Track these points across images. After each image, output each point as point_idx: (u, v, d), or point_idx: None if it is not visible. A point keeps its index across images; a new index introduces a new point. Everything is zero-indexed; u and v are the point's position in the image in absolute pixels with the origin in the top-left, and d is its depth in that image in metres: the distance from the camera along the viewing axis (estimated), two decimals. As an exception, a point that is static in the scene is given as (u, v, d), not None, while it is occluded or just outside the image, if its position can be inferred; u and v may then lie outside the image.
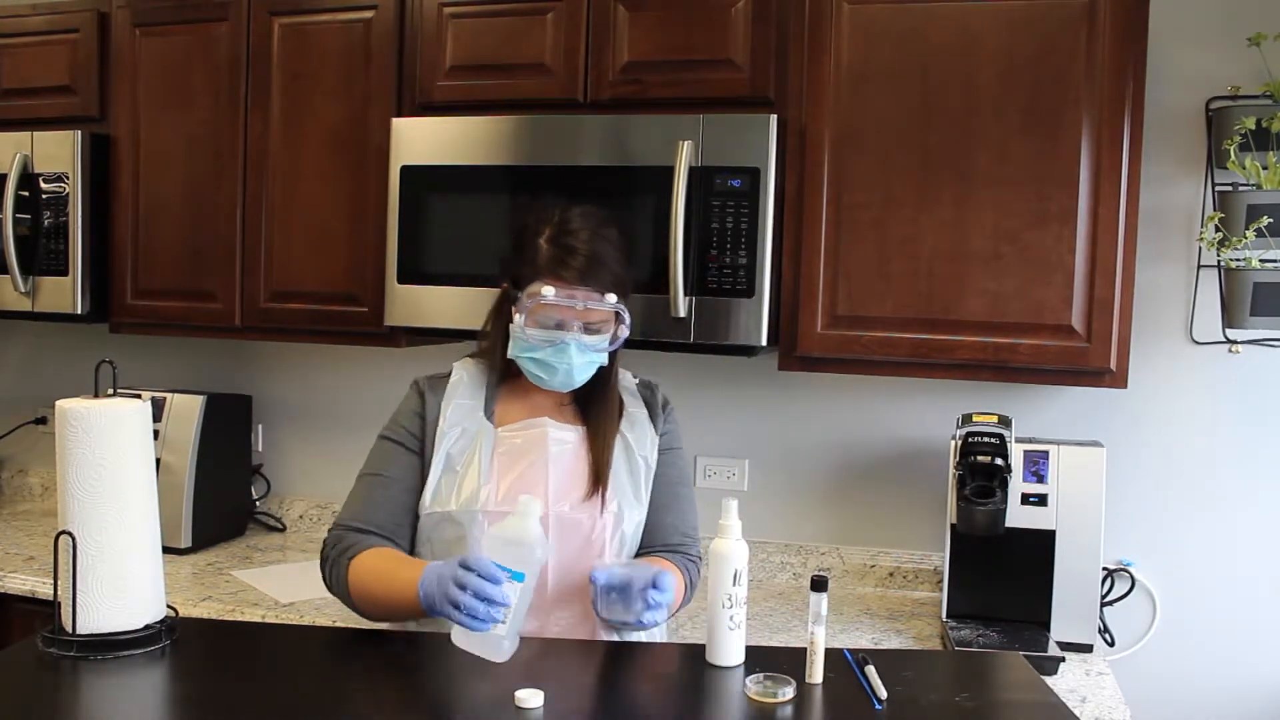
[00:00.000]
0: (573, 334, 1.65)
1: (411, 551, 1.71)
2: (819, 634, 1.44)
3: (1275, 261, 2.14)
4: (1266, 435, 2.36)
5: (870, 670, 1.45)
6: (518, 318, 1.67)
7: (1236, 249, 2.13)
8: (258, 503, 2.98)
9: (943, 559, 2.25)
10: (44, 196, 2.70)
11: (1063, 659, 2.06)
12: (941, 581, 2.31)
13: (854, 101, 2.19)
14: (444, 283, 2.36)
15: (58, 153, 2.68)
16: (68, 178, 2.68)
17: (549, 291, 1.63)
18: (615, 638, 1.70)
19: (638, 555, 1.74)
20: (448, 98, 2.44)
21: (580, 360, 1.66)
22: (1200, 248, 2.32)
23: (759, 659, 1.51)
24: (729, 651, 1.50)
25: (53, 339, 3.21)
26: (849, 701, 1.40)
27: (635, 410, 1.78)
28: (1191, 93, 2.34)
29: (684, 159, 2.16)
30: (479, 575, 1.41)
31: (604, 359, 1.70)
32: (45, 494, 3.18)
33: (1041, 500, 2.17)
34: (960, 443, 2.16)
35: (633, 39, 2.31)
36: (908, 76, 2.16)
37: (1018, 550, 2.17)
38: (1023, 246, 2.11)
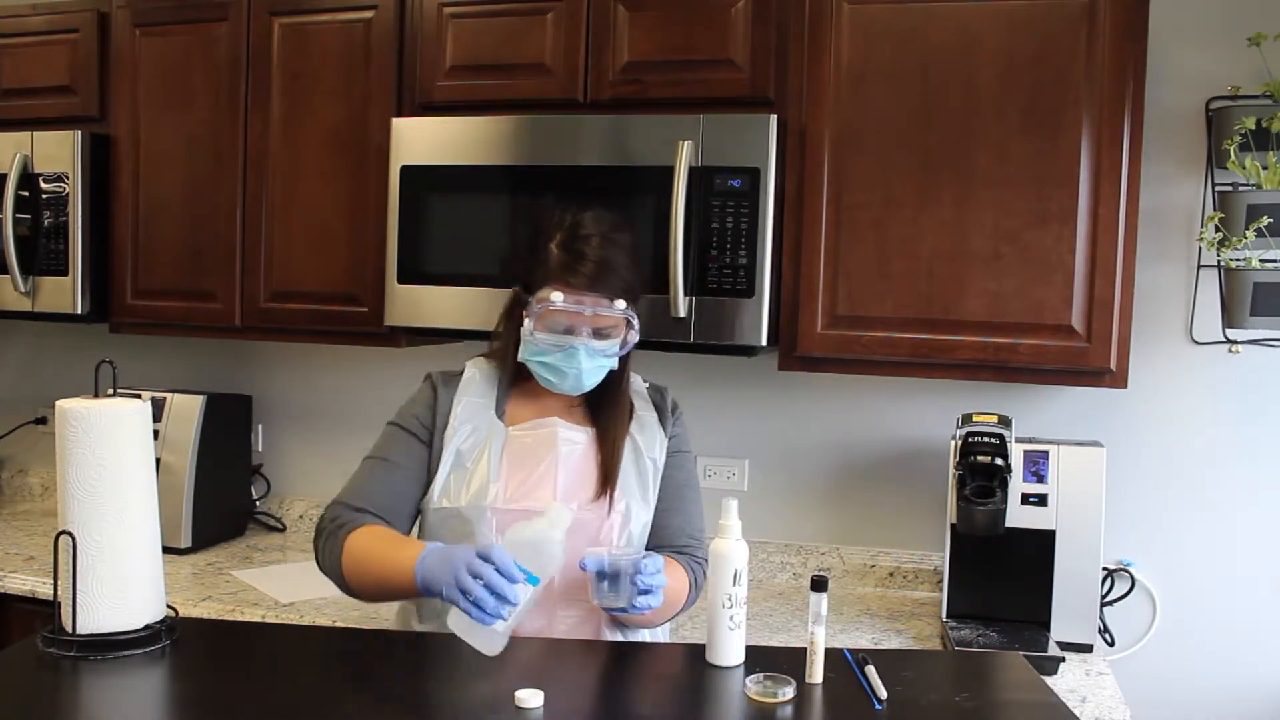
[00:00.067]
0: (582, 339, 1.65)
1: None
2: (819, 634, 1.44)
3: (1275, 261, 2.14)
4: (1266, 435, 2.36)
5: (870, 670, 1.45)
6: (527, 322, 1.67)
7: (1236, 249, 2.13)
8: (258, 503, 2.98)
9: (943, 559, 2.25)
10: (44, 196, 2.70)
11: (1063, 659, 2.06)
12: (941, 581, 2.31)
13: (854, 101, 2.19)
14: (444, 283, 2.36)
15: (58, 153, 2.68)
16: (68, 178, 2.68)
17: (558, 297, 1.63)
18: (619, 637, 1.70)
19: None
20: (448, 98, 2.44)
21: (589, 365, 1.67)
22: (1200, 248, 2.32)
23: (759, 659, 1.51)
24: (729, 651, 1.50)
25: (53, 339, 3.21)
26: (849, 701, 1.40)
27: (645, 413, 1.79)
28: (1191, 93, 2.34)
29: (684, 159, 2.16)
30: (497, 569, 1.42)
31: (614, 363, 1.71)
32: (45, 494, 3.18)
33: (1041, 500, 2.17)
34: (960, 443, 2.16)
35: (633, 39, 2.31)
36: (908, 76, 2.16)
37: (1018, 550, 2.17)
38: (1023, 246, 2.11)
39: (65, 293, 2.70)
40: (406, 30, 2.47)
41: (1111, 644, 2.38)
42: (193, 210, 2.65)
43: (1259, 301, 2.14)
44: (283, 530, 2.95)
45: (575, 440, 1.73)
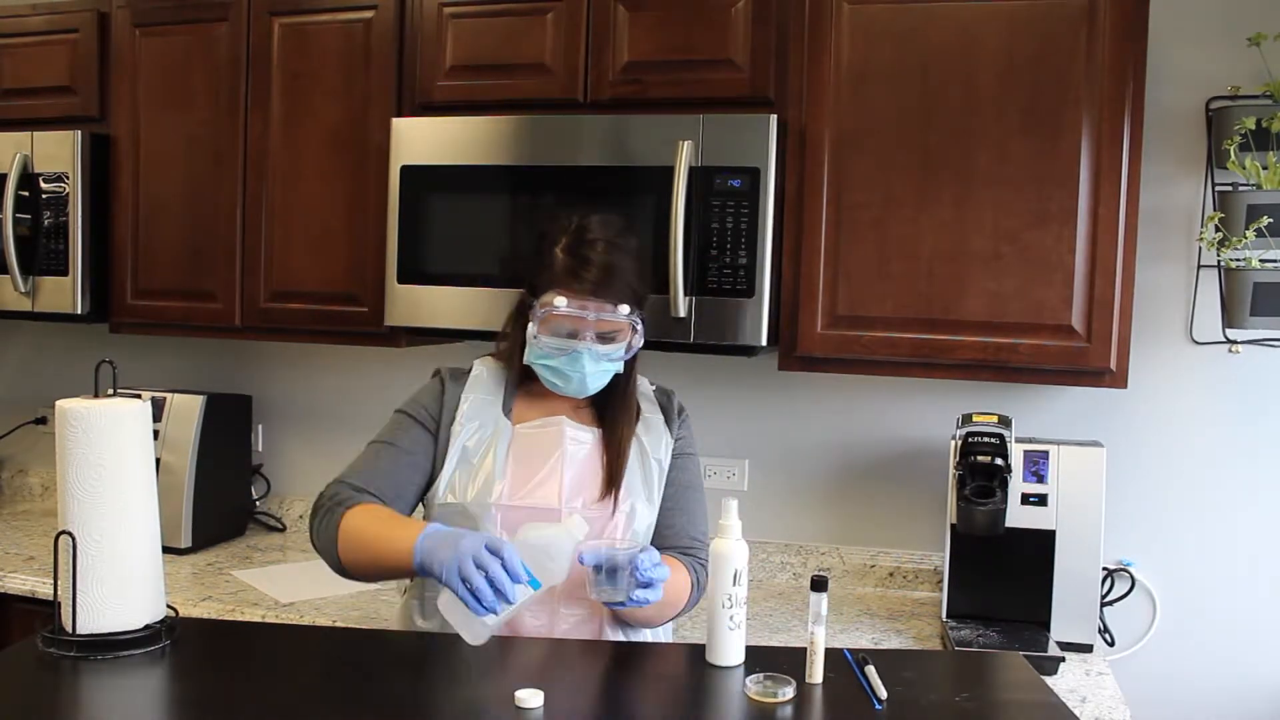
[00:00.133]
0: (586, 343, 1.66)
1: None
2: (819, 634, 1.44)
3: (1275, 261, 2.14)
4: (1266, 435, 2.36)
5: (870, 670, 1.45)
6: (532, 325, 1.68)
7: (1236, 249, 2.13)
8: (258, 503, 2.98)
9: (943, 559, 2.25)
10: (44, 196, 2.70)
11: (1063, 659, 2.06)
12: (941, 581, 2.31)
13: (854, 101, 2.19)
14: (444, 283, 2.36)
15: (58, 153, 2.68)
16: (68, 178, 2.68)
17: (562, 302, 1.64)
18: (621, 636, 1.71)
19: None
20: (448, 98, 2.44)
21: (593, 369, 1.67)
22: (1200, 248, 2.32)
23: (759, 659, 1.51)
24: (729, 651, 1.50)
25: (53, 339, 3.21)
26: (849, 701, 1.40)
27: (651, 415, 1.79)
28: (1191, 93, 2.34)
29: (684, 159, 2.16)
30: (503, 565, 1.42)
31: (618, 367, 1.71)
32: (45, 494, 3.18)
33: (1041, 500, 2.17)
34: (960, 443, 2.16)
35: (633, 39, 2.31)
36: (908, 76, 2.16)
37: (1018, 550, 2.17)
38: (1023, 246, 2.11)
39: (65, 293, 2.70)
40: (406, 30, 2.47)
41: (1111, 644, 2.38)
42: (193, 210, 2.65)
43: (1259, 301, 2.14)
44: (283, 530, 2.95)
45: (581, 439, 1.73)
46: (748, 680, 1.42)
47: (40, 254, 2.71)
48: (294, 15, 2.55)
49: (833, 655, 1.48)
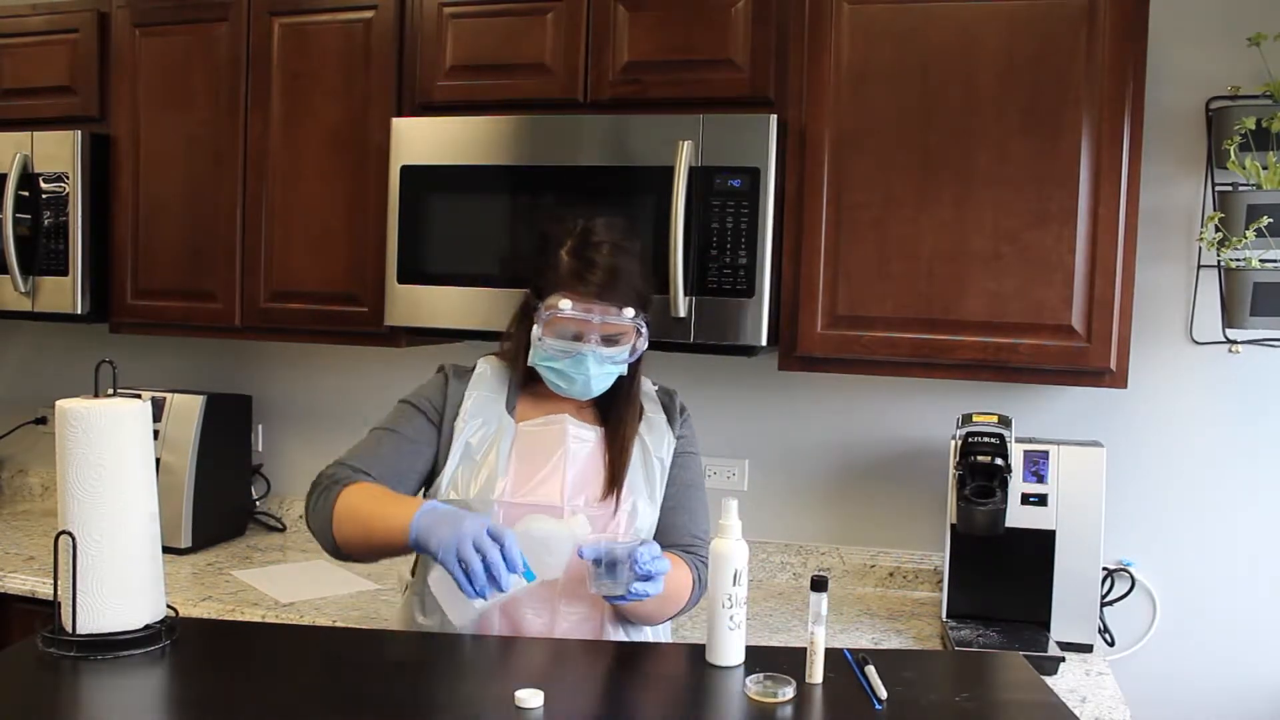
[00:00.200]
0: (590, 346, 1.66)
1: None
2: (819, 634, 1.44)
3: (1275, 261, 2.14)
4: (1266, 435, 2.36)
5: (870, 670, 1.45)
6: (536, 328, 1.68)
7: (1236, 249, 2.13)
8: (258, 503, 2.98)
9: (943, 559, 2.25)
10: (44, 196, 2.70)
11: (1063, 659, 2.06)
12: (941, 581, 2.31)
13: (854, 101, 2.19)
14: (444, 283, 2.36)
15: (58, 153, 2.68)
16: (68, 178, 2.68)
17: (566, 305, 1.64)
18: (622, 636, 1.71)
19: None
20: (448, 98, 2.44)
21: (598, 371, 1.68)
22: (1200, 248, 2.32)
23: (759, 659, 1.51)
24: (729, 651, 1.50)
25: (53, 339, 3.21)
26: (849, 701, 1.40)
27: (654, 415, 1.80)
28: (1191, 93, 2.34)
29: (684, 159, 2.16)
30: (502, 553, 1.42)
31: (623, 370, 1.72)
32: (45, 494, 3.18)
33: (1041, 500, 2.17)
34: (960, 443, 2.16)
35: (633, 39, 2.31)
36: (908, 76, 2.16)
37: (1018, 550, 2.17)
38: (1023, 246, 2.11)
39: (65, 293, 2.70)
40: (406, 30, 2.47)
41: (1111, 644, 2.38)
42: (193, 210, 2.65)
43: (1259, 301, 2.14)
44: (283, 530, 2.95)
45: (584, 438, 1.74)
46: (748, 680, 1.42)
47: (40, 254, 2.71)
48: (294, 15, 2.55)
49: (833, 655, 1.49)
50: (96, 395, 1.49)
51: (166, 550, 1.59)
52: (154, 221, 2.69)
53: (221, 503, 2.80)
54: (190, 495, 2.65)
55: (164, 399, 2.69)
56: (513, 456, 1.71)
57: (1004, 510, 2.11)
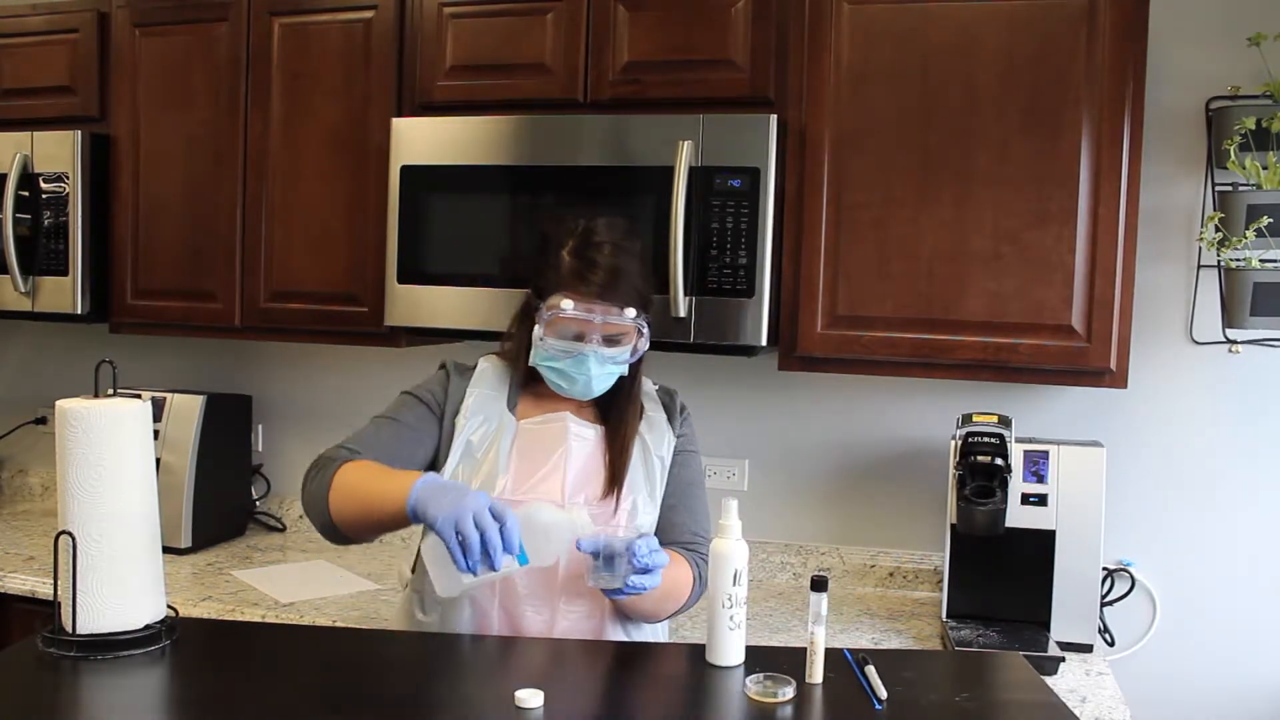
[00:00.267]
0: (591, 346, 1.66)
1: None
2: (819, 634, 1.44)
3: (1275, 261, 2.14)
4: (1266, 435, 2.36)
5: (870, 670, 1.45)
6: (538, 328, 1.68)
7: (1236, 249, 2.13)
8: (258, 503, 2.98)
9: (943, 559, 2.25)
10: (44, 196, 2.70)
11: (1063, 659, 2.06)
12: (941, 581, 2.31)
13: (854, 101, 2.19)
14: (444, 283, 2.36)
15: (58, 153, 2.68)
16: (68, 178, 2.68)
17: (568, 305, 1.64)
18: (622, 635, 1.71)
19: None
20: (448, 98, 2.44)
21: (599, 371, 1.68)
22: (1200, 248, 2.32)
23: (759, 659, 1.51)
24: (729, 651, 1.50)
25: (53, 339, 3.21)
26: (849, 701, 1.40)
27: (654, 414, 1.80)
28: (1191, 93, 2.34)
29: (684, 159, 2.16)
30: (500, 532, 1.42)
31: (624, 370, 1.73)
32: (45, 494, 3.18)
33: (1041, 500, 2.17)
34: (960, 443, 2.16)
35: (633, 39, 2.31)
36: (908, 76, 2.16)
37: (1018, 550, 2.17)
38: (1023, 246, 2.11)
39: (65, 293, 2.70)
40: (406, 30, 2.47)
41: (1111, 644, 2.38)
42: (193, 210, 2.65)
43: (1259, 301, 2.14)
44: (283, 530, 2.95)
45: (585, 436, 1.74)
46: (748, 680, 1.42)
47: (40, 254, 2.71)
48: (294, 15, 2.55)
49: (833, 655, 1.49)
50: (96, 395, 1.49)
51: (166, 550, 1.59)
52: (154, 221, 2.69)
53: (221, 503, 2.80)
54: (190, 495, 2.65)
55: (164, 399, 2.69)
56: (513, 454, 1.71)
57: (1004, 510, 2.11)
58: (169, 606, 1.54)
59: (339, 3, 2.51)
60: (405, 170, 2.38)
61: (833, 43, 2.19)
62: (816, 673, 1.44)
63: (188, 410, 2.68)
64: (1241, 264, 2.15)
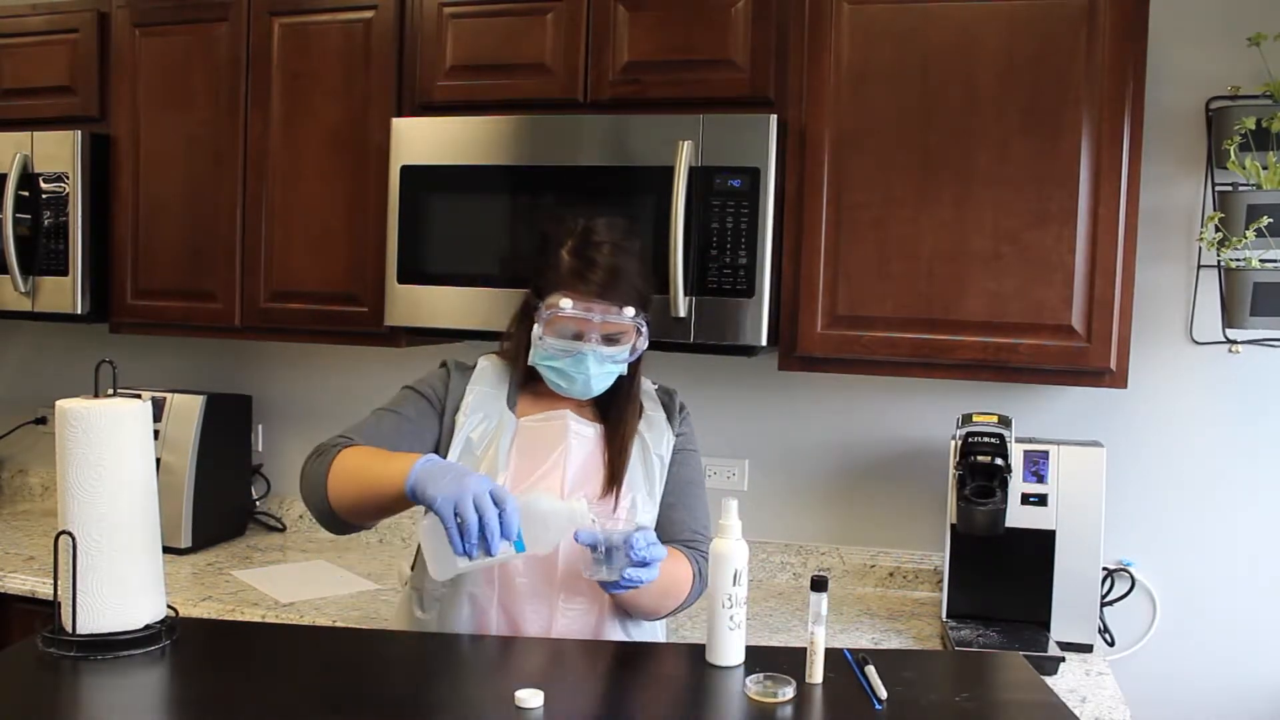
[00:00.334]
0: (591, 345, 1.66)
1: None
2: (819, 634, 1.44)
3: (1275, 261, 2.14)
4: (1266, 435, 2.36)
5: (870, 670, 1.45)
6: (537, 327, 1.69)
7: (1236, 249, 2.13)
8: (258, 503, 2.98)
9: (943, 559, 2.25)
10: (44, 196, 2.70)
11: (1063, 659, 2.06)
12: (941, 581, 2.31)
13: (854, 101, 2.19)
14: (444, 283, 2.36)
15: (58, 153, 2.68)
16: (68, 178, 2.68)
17: (567, 304, 1.64)
18: (620, 633, 1.71)
19: None
20: (448, 98, 2.44)
21: (598, 370, 1.68)
22: (1200, 248, 2.32)
23: (759, 659, 1.51)
24: (729, 651, 1.50)
25: (53, 339, 3.21)
26: (849, 701, 1.40)
27: (654, 413, 1.81)
28: (1191, 93, 2.34)
29: (684, 159, 2.16)
30: (498, 518, 1.42)
31: (623, 369, 1.73)
32: (45, 494, 3.18)
33: (1041, 500, 2.17)
34: (960, 443, 2.16)
35: (633, 39, 2.31)
36: (908, 76, 2.16)
37: (1018, 550, 2.17)
38: (1023, 246, 2.11)
39: (65, 293, 2.70)
40: (406, 30, 2.47)
41: (1111, 644, 2.38)
42: (193, 210, 2.65)
43: (1259, 301, 2.14)
44: (283, 530, 2.95)
45: (585, 434, 1.75)
46: (748, 680, 1.42)
47: (40, 254, 2.71)
48: (294, 15, 2.55)
49: (833, 655, 1.49)
50: (96, 395, 1.49)
51: (166, 550, 1.59)
52: (154, 221, 2.69)
53: (221, 503, 2.80)
54: (190, 495, 2.65)
55: (164, 399, 2.69)
56: (513, 451, 1.71)
57: (1004, 510, 2.11)
58: (169, 606, 1.54)
59: (339, 3, 2.51)
60: (405, 170, 2.38)
61: (833, 43, 2.19)
62: (816, 673, 1.44)
63: (188, 410, 2.68)
64: (1241, 264, 2.15)
